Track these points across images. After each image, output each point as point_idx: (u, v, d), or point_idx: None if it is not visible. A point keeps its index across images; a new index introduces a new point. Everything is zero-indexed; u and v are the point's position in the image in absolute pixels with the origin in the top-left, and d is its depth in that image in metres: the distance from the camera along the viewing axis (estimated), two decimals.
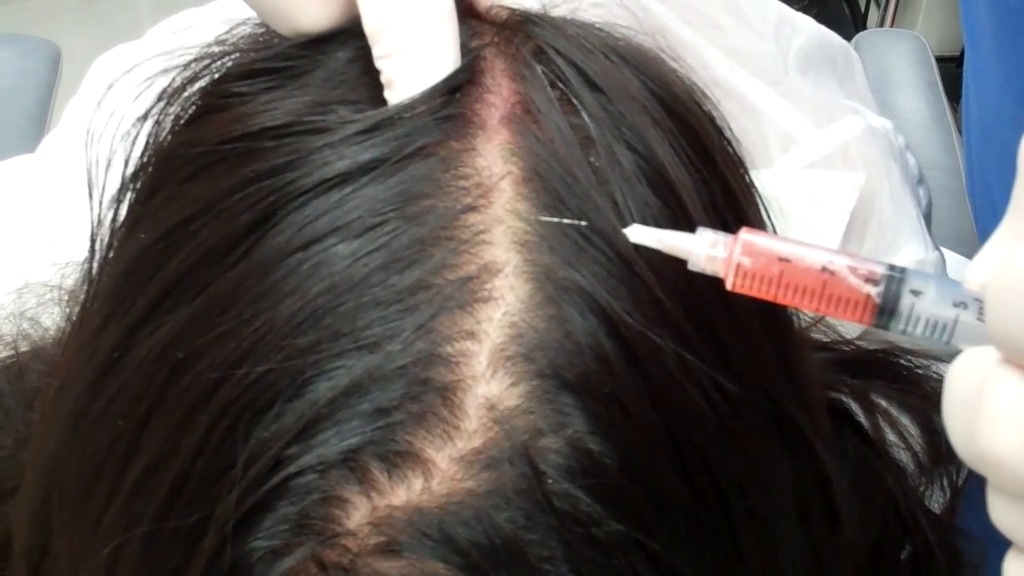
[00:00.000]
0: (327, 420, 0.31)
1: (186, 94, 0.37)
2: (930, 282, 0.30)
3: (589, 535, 0.32)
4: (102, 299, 0.37)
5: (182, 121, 0.37)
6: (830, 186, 0.64)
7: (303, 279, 0.32)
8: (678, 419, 0.33)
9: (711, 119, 0.39)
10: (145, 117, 0.37)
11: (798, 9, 1.56)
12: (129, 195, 0.37)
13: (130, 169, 0.37)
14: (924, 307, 0.30)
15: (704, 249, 0.32)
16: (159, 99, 0.37)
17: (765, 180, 0.64)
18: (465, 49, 0.36)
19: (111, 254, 0.38)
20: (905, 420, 0.55)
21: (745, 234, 0.31)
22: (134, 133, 0.37)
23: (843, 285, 0.30)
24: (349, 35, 0.36)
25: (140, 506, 0.33)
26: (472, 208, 0.33)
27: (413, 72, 0.34)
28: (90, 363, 0.36)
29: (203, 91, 0.37)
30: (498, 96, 0.35)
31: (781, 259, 0.30)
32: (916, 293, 0.30)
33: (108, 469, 0.34)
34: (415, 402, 0.31)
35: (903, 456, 0.54)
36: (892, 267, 0.30)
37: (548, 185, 0.34)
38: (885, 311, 0.30)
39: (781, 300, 0.31)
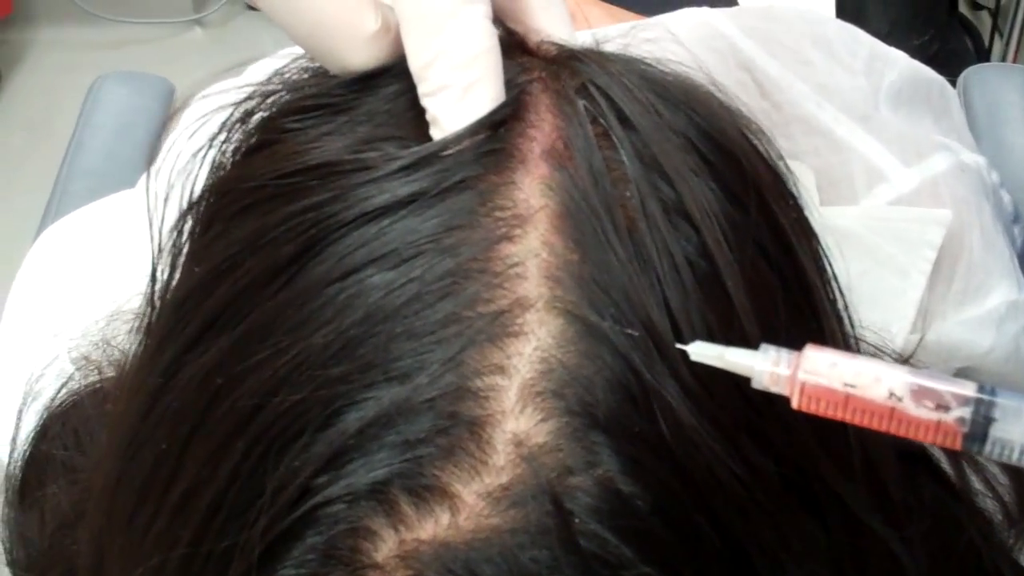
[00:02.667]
0: (355, 451, 0.32)
1: (242, 129, 0.39)
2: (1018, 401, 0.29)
3: None
4: (157, 327, 0.38)
5: (237, 155, 0.38)
6: (916, 222, 0.62)
7: (339, 310, 0.33)
8: (706, 477, 0.33)
9: (761, 155, 0.39)
10: (199, 152, 0.39)
11: (918, 44, 1.53)
12: (187, 226, 0.38)
13: (186, 202, 0.38)
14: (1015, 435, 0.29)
15: (767, 367, 0.32)
16: (218, 132, 0.39)
17: (849, 217, 0.63)
18: (512, 84, 0.36)
19: (170, 284, 0.39)
20: (994, 468, 0.54)
21: (810, 351, 0.31)
22: (191, 168, 0.39)
23: (910, 415, 0.30)
24: (397, 72, 0.37)
25: (178, 528, 0.34)
26: (507, 238, 0.33)
27: (457, 110, 0.35)
28: (143, 388, 0.37)
29: (258, 126, 0.38)
30: (540, 131, 0.36)
31: (847, 384, 0.30)
32: (992, 420, 0.29)
33: (152, 490, 0.35)
34: (443, 436, 0.32)
35: (989, 505, 0.53)
36: (980, 388, 0.29)
37: (579, 223, 0.34)
38: (970, 437, 0.30)
39: (850, 421, 0.31)
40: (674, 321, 0.33)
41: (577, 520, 0.31)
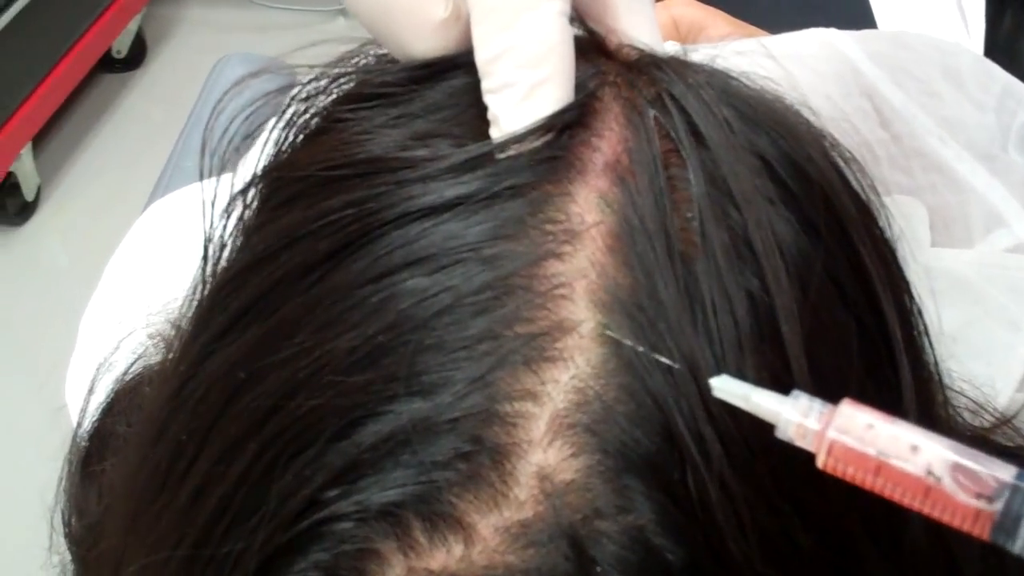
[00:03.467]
0: (370, 467, 0.30)
1: (303, 113, 0.37)
2: None
3: None
4: (195, 313, 0.37)
5: (295, 140, 0.37)
6: None
7: (368, 314, 0.31)
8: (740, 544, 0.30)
9: (850, 188, 0.36)
10: (253, 134, 0.37)
11: None
12: (236, 210, 0.37)
13: (238, 185, 0.37)
14: None
15: (795, 416, 0.28)
16: (276, 118, 0.37)
17: (962, 261, 0.59)
18: (583, 88, 0.34)
19: (217, 268, 0.38)
20: None
21: (846, 407, 0.28)
22: (244, 150, 0.37)
23: (948, 498, 0.27)
24: (465, 65, 0.35)
25: (185, 526, 0.32)
26: (555, 255, 0.31)
27: (518, 110, 0.33)
28: (174, 375, 0.36)
29: (316, 113, 0.37)
30: (606, 141, 0.33)
31: (880, 452, 0.27)
32: None
33: (167, 484, 0.34)
34: (464, 461, 0.29)
35: None
36: (1020, 475, 0.26)
37: (634, 246, 0.31)
38: (1003, 529, 0.26)
39: (879, 492, 0.27)
40: (720, 362, 0.30)
41: (599, 568, 0.29)
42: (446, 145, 0.33)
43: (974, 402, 0.54)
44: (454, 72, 0.35)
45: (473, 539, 0.29)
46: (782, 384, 0.30)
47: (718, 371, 0.30)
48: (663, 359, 0.30)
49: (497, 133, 0.33)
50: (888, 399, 0.34)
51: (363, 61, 0.38)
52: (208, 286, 0.38)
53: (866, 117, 0.67)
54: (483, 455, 0.29)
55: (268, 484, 0.30)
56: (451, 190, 0.32)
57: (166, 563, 0.33)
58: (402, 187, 0.32)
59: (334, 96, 0.37)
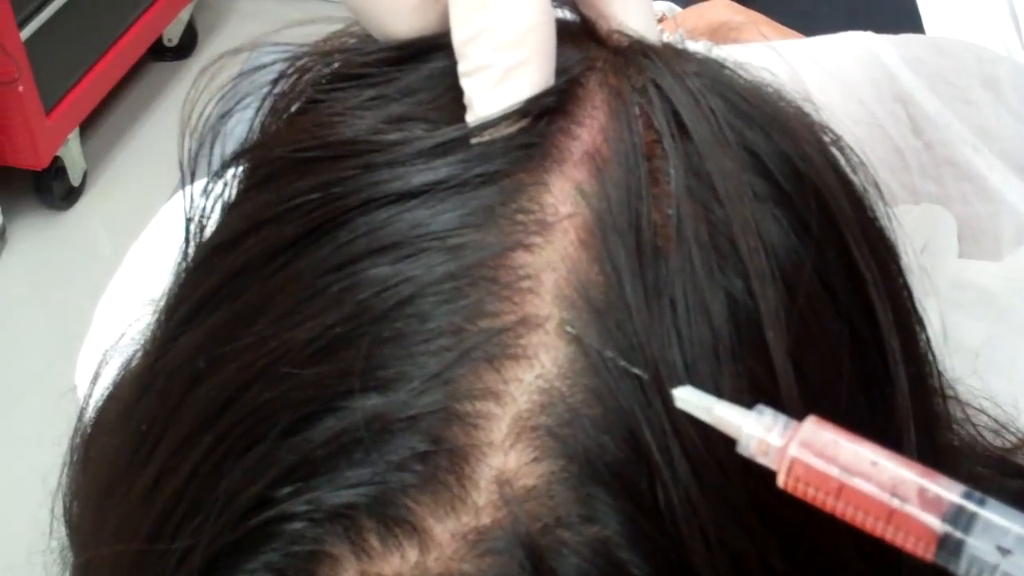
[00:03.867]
0: (322, 465, 0.28)
1: (286, 93, 0.36)
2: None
3: None
4: (167, 298, 0.36)
5: (275, 120, 0.35)
6: None
7: (328, 303, 0.29)
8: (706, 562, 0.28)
9: (851, 189, 0.34)
10: (227, 115, 0.36)
11: None
12: (215, 190, 0.36)
13: (215, 163, 0.36)
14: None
15: (757, 431, 0.27)
16: (252, 97, 0.36)
17: (989, 274, 0.57)
18: (566, 73, 0.32)
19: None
20: None
21: (811, 423, 0.26)
22: (219, 130, 0.36)
23: (911, 520, 0.25)
24: (444, 46, 0.33)
25: (138, 520, 0.31)
26: (524, 247, 0.29)
27: (493, 94, 0.31)
28: (142, 363, 0.35)
29: (290, 93, 0.35)
30: (587, 130, 0.31)
31: (844, 469, 0.25)
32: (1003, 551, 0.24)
33: (125, 474, 0.33)
34: (421, 462, 0.28)
35: None
36: (967, 494, 0.25)
37: (607, 240, 0.29)
38: (945, 548, 0.25)
39: (840, 515, 0.26)
40: (691, 370, 0.28)
41: None
42: (420, 129, 0.32)
43: (995, 421, 0.52)
44: (434, 54, 0.34)
45: (428, 545, 0.28)
46: (764, 396, 0.28)
47: (688, 380, 0.28)
48: (628, 366, 0.28)
49: (472, 118, 0.32)
50: (881, 416, 0.32)
51: (349, 41, 0.36)
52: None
53: (898, 123, 0.65)
54: (441, 456, 0.28)
55: (219, 479, 0.29)
56: (419, 176, 0.30)
57: (119, 556, 0.31)
58: (370, 172, 0.31)
59: (315, 76, 0.35)
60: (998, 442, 0.51)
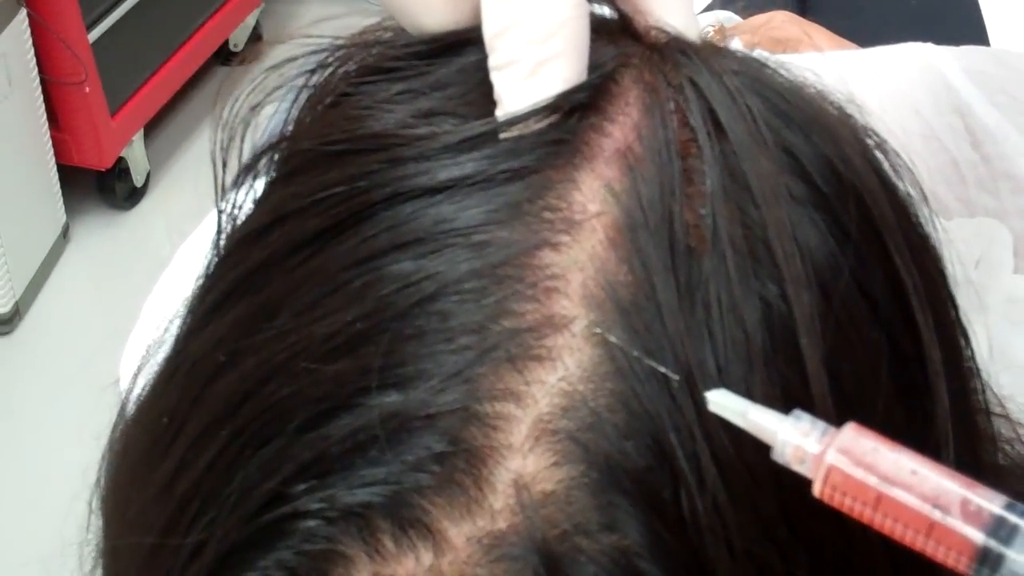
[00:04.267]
0: (338, 462, 0.28)
1: (321, 85, 0.35)
2: None
3: None
4: (196, 290, 0.35)
5: (308, 112, 0.35)
6: None
7: (349, 298, 0.29)
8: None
9: (895, 195, 0.33)
10: (258, 107, 0.36)
11: None
12: (247, 182, 0.36)
13: (245, 158, 0.36)
14: None
15: (793, 437, 0.26)
16: (285, 89, 0.36)
17: None
18: (600, 69, 0.32)
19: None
20: None
21: (850, 430, 0.25)
22: (249, 122, 0.36)
23: (953, 535, 0.24)
24: (476, 40, 0.33)
25: (155, 512, 0.31)
26: (551, 245, 0.29)
27: (523, 88, 0.30)
28: (169, 353, 0.35)
29: (325, 87, 0.35)
30: (619, 127, 0.31)
31: (883, 479, 0.25)
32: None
33: (145, 465, 0.32)
34: (438, 463, 0.27)
35: None
36: (1010, 506, 0.24)
37: (637, 240, 0.29)
38: (985, 562, 0.24)
39: (878, 528, 0.25)
40: (723, 374, 0.27)
41: None
42: (449, 124, 0.31)
43: None
44: (466, 48, 0.33)
45: (443, 548, 0.27)
46: (797, 403, 0.27)
47: (719, 384, 0.27)
48: (658, 367, 0.27)
49: (501, 113, 0.31)
50: (920, 429, 0.31)
51: (383, 35, 0.36)
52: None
53: (956, 135, 0.63)
54: (458, 458, 0.27)
55: (234, 474, 0.29)
56: (445, 171, 0.30)
57: (136, 548, 0.31)
58: (396, 166, 0.30)
59: (348, 69, 0.35)
60: None
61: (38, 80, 1.92)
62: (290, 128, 0.35)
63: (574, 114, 0.31)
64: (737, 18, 0.99)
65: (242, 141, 0.35)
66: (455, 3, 0.33)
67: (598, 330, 0.28)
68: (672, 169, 0.29)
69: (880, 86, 0.68)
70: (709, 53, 0.32)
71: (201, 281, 0.35)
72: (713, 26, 0.95)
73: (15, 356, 1.91)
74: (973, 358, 0.34)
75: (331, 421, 0.28)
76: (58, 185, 2.03)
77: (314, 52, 0.35)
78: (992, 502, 0.24)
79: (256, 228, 0.33)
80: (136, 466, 0.34)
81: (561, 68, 0.31)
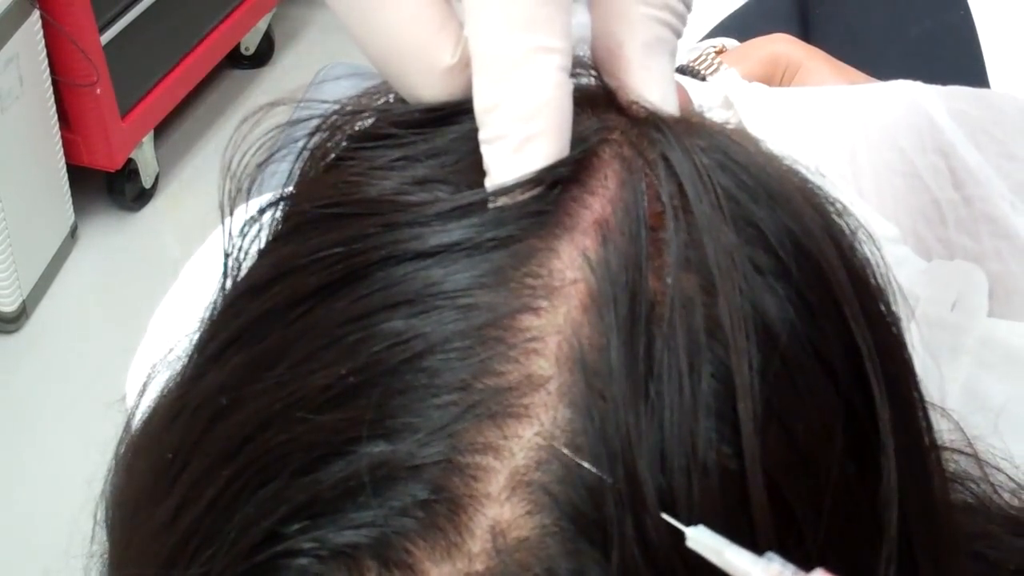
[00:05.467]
0: (330, 505, 0.30)
1: (320, 145, 0.37)
2: None
3: None
4: (200, 334, 0.38)
5: (307, 172, 0.37)
6: None
7: (345, 353, 0.31)
8: None
9: (851, 265, 0.35)
10: (264, 164, 0.38)
11: None
12: (250, 233, 0.38)
13: (252, 211, 0.38)
14: None
15: None
16: (288, 149, 0.38)
17: (1017, 334, 0.57)
18: (583, 143, 0.34)
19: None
20: None
21: None
22: (257, 178, 0.38)
23: None
24: (470, 111, 0.35)
25: (157, 547, 0.33)
26: (531, 309, 0.31)
27: (509, 162, 0.33)
28: (174, 392, 0.37)
29: (323, 148, 0.37)
30: (599, 199, 0.33)
31: None
32: None
33: (149, 500, 0.35)
34: (422, 509, 0.29)
35: None
36: None
37: (604, 307, 0.31)
38: None
39: None
40: (667, 442, 0.29)
41: None
42: (441, 191, 0.33)
43: (1014, 481, 0.52)
44: (460, 118, 0.35)
45: None
46: (735, 471, 0.30)
47: (661, 461, 0.29)
48: (592, 468, 0.29)
49: (490, 184, 0.33)
50: (873, 483, 0.33)
51: (380, 100, 0.38)
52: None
53: (938, 175, 0.65)
54: (441, 505, 0.29)
55: (233, 513, 0.31)
56: (436, 237, 0.32)
57: None
58: (390, 230, 0.33)
59: (347, 134, 0.37)
60: (1015, 503, 0.52)
61: (50, 81, 1.93)
62: (291, 188, 0.37)
63: (556, 186, 0.33)
64: (736, 42, 1.00)
65: (248, 193, 0.37)
66: (451, 76, 0.35)
67: (554, 445, 0.30)
68: (640, 241, 0.31)
69: (867, 124, 0.70)
70: (682, 130, 0.35)
71: (206, 325, 0.37)
72: (715, 47, 0.97)
73: (21, 355, 1.93)
74: (925, 414, 0.36)
75: (324, 467, 0.30)
76: (67, 185, 2.05)
77: (319, 116, 0.37)
78: None
79: (258, 282, 0.35)
80: (140, 500, 0.36)
81: (545, 145, 0.33)
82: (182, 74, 2.25)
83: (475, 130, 0.34)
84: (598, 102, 0.36)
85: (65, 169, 2.04)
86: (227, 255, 0.38)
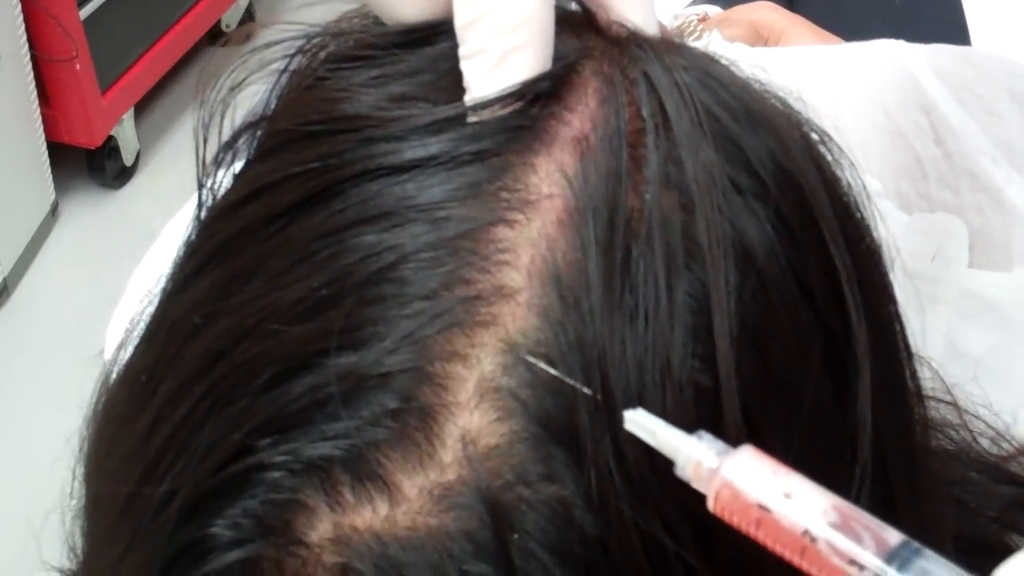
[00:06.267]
0: (300, 417, 0.30)
1: (300, 69, 0.37)
2: None
3: None
4: (176, 260, 0.37)
5: (284, 95, 0.37)
6: None
7: (318, 266, 0.31)
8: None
9: (834, 188, 0.35)
10: (237, 88, 0.38)
11: None
12: (226, 158, 0.37)
13: (224, 137, 0.37)
14: None
15: (694, 454, 0.28)
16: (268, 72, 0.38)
17: (995, 285, 0.58)
18: (563, 60, 0.34)
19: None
20: None
21: (745, 453, 0.28)
22: (229, 102, 0.38)
23: (822, 560, 0.26)
24: (448, 30, 0.35)
25: (132, 465, 0.33)
26: (505, 222, 0.31)
27: (489, 77, 0.32)
28: (149, 319, 0.37)
29: (304, 70, 0.37)
30: (578, 116, 0.33)
31: (761, 507, 0.27)
32: None
33: (125, 422, 0.35)
34: (392, 419, 0.29)
35: None
36: (897, 552, 0.25)
37: (584, 223, 0.31)
38: None
39: (763, 543, 0.27)
40: (644, 354, 0.29)
41: (517, 536, 0.29)
42: (419, 108, 0.33)
43: (993, 429, 0.52)
44: (438, 38, 0.35)
45: (398, 499, 0.29)
46: (709, 385, 0.30)
47: (637, 370, 0.29)
48: (565, 379, 0.29)
49: (469, 99, 0.33)
50: (850, 406, 0.33)
51: (359, 23, 0.38)
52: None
53: (921, 132, 0.65)
54: (411, 414, 0.29)
55: (204, 428, 0.31)
56: (412, 151, 0.32)
57: (114, 496, 0.33)
58: (367, 145, 0.32)
59: (326, 55, 0.37)
60: (995, 449, 0.52)
61: (29, 56, 1.92)
62: (270, 110, 0.37)
63: (537, 102, 0.33)
64: (719, 9, 1.00)
65: (222, 119, 0.37)
66: None
67: (523, 355, 0.30)
68: (620, 157, 0.31)
69: (850, 83, 0.70)
70: (664, 48, 0.34)
71: (182, 250, 0.36)
72: (698, 15, 0.97)
73: (2, 332, 1.92)
74: (905, 343, 0.36)
75: (294, 380, 0.30)
76: (48, 162, 2.04)
77: (295, 38, 0.37)
78: (855, 536, 0.26)
79: (234, 200, 0.35)
80: (116, 422, 0.36)
81: (526, 58, 0.33)
82: (162, 51, 2.23)
83: (454, 49, 0.34)
84: (579, 24, 0.36)
85: (45, 146, 2.03)
86: (201, 186, 0.38)
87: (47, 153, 2.03)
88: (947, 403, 0.51)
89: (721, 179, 0.31)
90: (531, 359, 0.29)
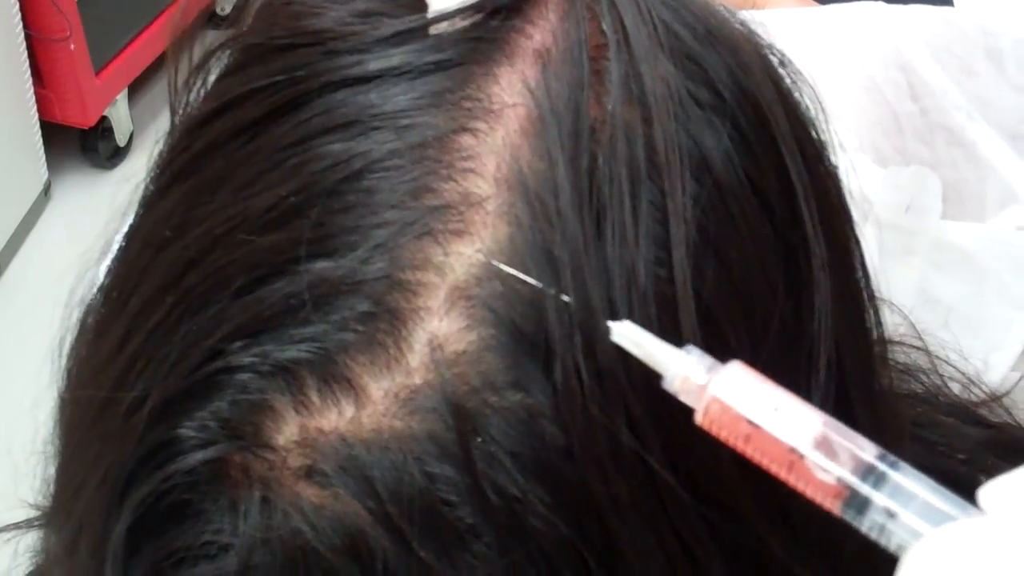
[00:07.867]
0: (270, 323, 0.30)
1: None
2: (913, 500, 0.26)
3: (515, 516, 0.29)
4: (147, 179, 0.38)
5: (249, 14, 0.38)
6: None
7: (286, 175, 0.32)
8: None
9: (783, 98, 0.35)
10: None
11: None
12: (196, 87, 0.38)
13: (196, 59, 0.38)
14: (898, 530, 0.26)
15: (682, 369, 0.28)
16: None
17: (969, 235, 0.58)
18: None
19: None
20: None
21: (734, 367, 0.28)
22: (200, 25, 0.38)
23: (808, 474, 0.27)
24: None
25: (106, 372, 0.33)
26: (469, 131, 0.31)
27: None
28: (122, 238, 0.37)
29: None
30: (539, 29, 0.33)
31: (750, 422, 0.27)
32: (890, 514, 0.26)
33: (100, 333, 0.35)
34: (362, 323, 0.30)
35: None
36: (873, 468, 0.26)
37: (547, 133, 0.31)
38: (852, 509, 0.26)
39: (750, 458, 0.28)
40: (611, 261, 0.30)
41: (480, 440, 0.29)
42: (382, 22, 0.34)
43: (963, 374, 0.53)
44: None
45: (364, 401, 0.30)
46: (668, 285, 0.30)
47: (605, 276, 0.30)
48: (537, 284, 0.30)
49: (431, 11, 0.33)
50: (808, 323, 0.34)
51: None
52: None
53: (897, 89, 0.66)
54: (380, 319, 0.30)
55: (175, 334, 0.31)
56: (376, 62, 0.32)
57: (89, 401, 0.34)
58: (331, 57, 0.33)
59: None
60: (965, 395, 0.53)
61: (23, 35, 1.92)
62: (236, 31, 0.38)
63: (498, 15, 0.33)
64: None
65: (193, 42, 0.38)
66: None
67: (494, 262, 0.30)
68: (582, 68, 0.32)
69: (830, 43, 0.71)
70: None
71: (154, 168, 0.37)
72: None
73: None
74: (864, 267, 0.37)
75: (266, 286, 0.31)
76: (41, 142, 2.04)
77: None
78: (844, 451, 0.26)
79: (203, 115, 0.35)
80: (91, 333, 0.37)
81: None
82: (157, 32, 2.23)
83: None
84: None
85: (39, 126, 2.03)
86: (173, 112, 0.39)
87: (40, 133, 2.04)
88: (917, 348, 0.52)
89: (679, 92, 0.32)
90: (502, 266, 0.30)
